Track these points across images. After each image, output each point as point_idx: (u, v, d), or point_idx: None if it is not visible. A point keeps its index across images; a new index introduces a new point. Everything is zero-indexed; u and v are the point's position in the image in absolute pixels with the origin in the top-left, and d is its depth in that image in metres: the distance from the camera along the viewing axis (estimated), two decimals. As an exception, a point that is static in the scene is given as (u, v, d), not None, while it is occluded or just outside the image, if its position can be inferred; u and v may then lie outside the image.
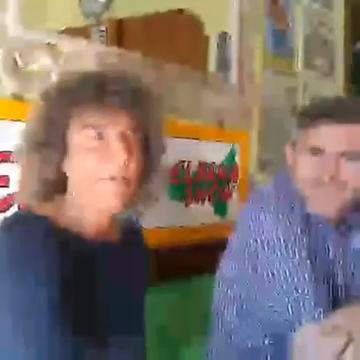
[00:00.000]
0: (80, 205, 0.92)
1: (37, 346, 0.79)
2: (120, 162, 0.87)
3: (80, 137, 0.88)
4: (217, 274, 1.29)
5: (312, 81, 2.40)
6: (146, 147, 0.94)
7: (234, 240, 1.23)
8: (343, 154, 1.11)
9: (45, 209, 0.91)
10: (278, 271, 1.10)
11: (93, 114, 0.87)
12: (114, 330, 0.92)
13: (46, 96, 0.91)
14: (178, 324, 1.43)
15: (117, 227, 1.00)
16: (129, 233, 1.02)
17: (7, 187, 1.16)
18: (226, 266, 1.26)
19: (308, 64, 2.39)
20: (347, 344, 1.00)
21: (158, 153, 0.97)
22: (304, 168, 1.16)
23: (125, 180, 0.88)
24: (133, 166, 0.89)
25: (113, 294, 0.93)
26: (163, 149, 0.99)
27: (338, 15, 2.61)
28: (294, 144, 1.21)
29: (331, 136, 1.12)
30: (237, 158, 1.87)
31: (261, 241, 1.13)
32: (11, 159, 1.07)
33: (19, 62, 1.23)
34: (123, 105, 0.88)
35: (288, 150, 1.24)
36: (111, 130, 0.88)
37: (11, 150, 0.98)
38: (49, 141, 0.89)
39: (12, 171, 1.12)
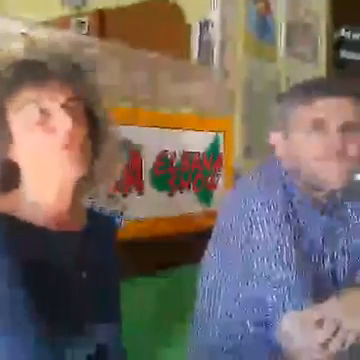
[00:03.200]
0: (37, 193, 0.90)
1: (7, 343, 0.77)
2: (66, 130, 0.86)
3: (21, 116, 0.87)
4: (202, 261, 1.29)
5: (294, 67, 2.40)
6: (92, 119, 0.93)
7: (220, 225, 1.23)
8: (344, 126, 1.12)
9: (1, 204, 0.89)
10: (262, 257, 1.10)
11: (31, 91, 0.86)
12: (85, 319, 0.90)
13: None
14: (163, 313, 1.43)
15: (81, 215, 0.98)
16: (95, 220, 0.99)
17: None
18: (212, 252, 1.26)
19: (290, 50, 2.39)
20: (334, 333, 1.00)
21: (105, 125, 0.95)
22: (308, 146, 1.15)
23: (75, 147, 0.87)
24: (80, 133, 0.88)
25: (79, 284, 0.91)
26: (110, 121, 0.97)
27: (320, 1, 2.60)
28: (283, 129, 1.19)
29: (331, 108, 1.13)
30: (221, 146, 1.87)
31: (246, 227, 1.13)
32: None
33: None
34: (60, 78, 0.87)
35: (275, 137, 1.22)
36: (51, 103, 0.87)
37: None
38: None
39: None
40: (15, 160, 0.89)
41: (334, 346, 1.00)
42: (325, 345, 1.00)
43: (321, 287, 1.11)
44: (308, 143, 1.15)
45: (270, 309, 1.08)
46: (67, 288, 0.89)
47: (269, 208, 1.12)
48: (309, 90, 1.15)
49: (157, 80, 1.65)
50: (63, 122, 0.86)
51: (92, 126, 0.93)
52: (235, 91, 2.01)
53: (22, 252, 0.83)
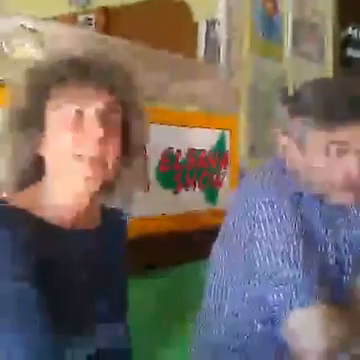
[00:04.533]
0: (56, 191, 0.90)
1: (16, 341, 0.77)
2: (96, 139, 0.84)
3: (57, 114, 0.86)
4: (210, 259, 1.29)
5: (301, 66, 2.39)
6: (126, 131, 0.92)
7: (226, 224, 1.23)
8: None
9: (20, 198, 0.89)
10: (266, 256, 1.09)
11: (72, 92, 0.85)
12: (94, 317, 0.90)
13: (25, 77, 0.89)
14: (167, 312, 1.42)
15: (96, 214, 0.98)
16: (108, 219, 0.99)
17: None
18: (218, 251, 1.26)
19: (297, 49, 2.38)
20: (341, 331, 1.00)
21: (138, 138, 0.94)
22: (327, 169, 1.13)
23: (101, 160, 0.86)
24: (110, 147, 0.87)
25: (91, 282, 0.91)
26: (144, 135, 0.96)
27: (327, 0, 2.59)
28: (298, 140, 1.17)
29: (353, 134, 1.11)
30: (227, 144, 1.86)
31: (249, 226, 1.13)
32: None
33: (5, 49, 1.21)
34: (103, 84, 0.86)
35: (284, 140, 1.20)
36: (89, 108, 0.86)
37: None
38: (26, 123, 0.87)
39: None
40: (42, 154, 0.89)
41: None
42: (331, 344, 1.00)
43: (327, 277, 1.11)
44: (325, 166, 1.13)
45: (276, 307, 1.08)
46: (75, 287, 0.88)
47: (272, 206, 1.12)
48: (331, 110, 1.11)
49: (163, 77, 1.65)
50: (94, 131, 0.85)
51: (126, 137, 0.91)
52: (241, 90, 2.01)
53: (33, 248, 0.82)
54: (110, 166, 0.88)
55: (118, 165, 0.90)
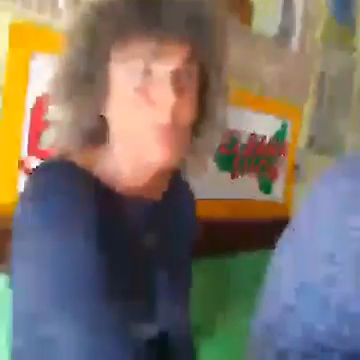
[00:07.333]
0: (122, 157, 0.79)
1: (80, 313, 0.68)
2: (169, 105, 0.72)
3: (124, 72, 0.73)
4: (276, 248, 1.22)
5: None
6: (203, 88, 0.78)
7: (294, 225, 1.16)
8: None
9: (84, 159, 0.78)
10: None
11: (140, 44, 0.70)
12: (159, 289, 0.82)
13: (84, 21, 0.73)
14: (216, 300, 1.37)
15: (164, 185, 0.86)
16: (178, 192, 0.90)
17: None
18: (284, 247, 1.19)
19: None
20: None
21: (217, 97, 0.80)
22: None
23: (176, 128, 0.73)
24: (185, 111, 0.74)
25: (155, 254, 0.82)
26: (224, 92, 0.81)
27: None
28: None
29: None
30: (289, 133, 1.78)
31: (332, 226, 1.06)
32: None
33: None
34: (178, 34, 0.71)
35: None
36: (161, 65, 0.72)
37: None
38: (87, 78, 0.74)
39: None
40: (106, 116, 0.78)
41: None
42: None
43: None
44: None
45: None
46: (136, 259, 0.79)
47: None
48: None
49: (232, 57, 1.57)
50: (167, 96, 0.72)
51: (201, 97, 0.78)
52: (309, 78, 1.92)
53: (94, 210, 0.73)
54: (185, 132, 0.76)
55: (192, 128, 0.78)
